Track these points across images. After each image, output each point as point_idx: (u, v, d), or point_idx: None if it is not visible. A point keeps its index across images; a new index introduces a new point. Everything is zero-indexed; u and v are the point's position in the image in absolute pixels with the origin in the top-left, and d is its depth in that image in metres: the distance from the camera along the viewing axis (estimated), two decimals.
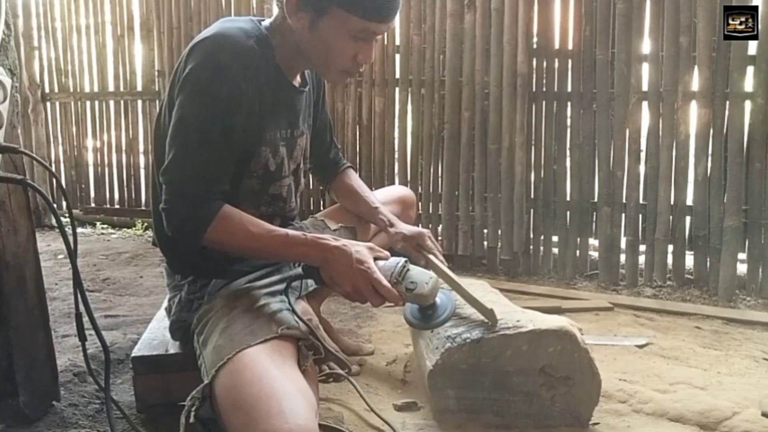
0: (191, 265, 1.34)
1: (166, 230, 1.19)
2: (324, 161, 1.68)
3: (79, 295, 1.23)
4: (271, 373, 1.03)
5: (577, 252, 2.92)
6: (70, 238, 1.21)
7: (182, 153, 1.16)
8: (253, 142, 1.27)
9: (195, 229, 1.15)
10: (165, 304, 1.49)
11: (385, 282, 1.14)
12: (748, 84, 2.58)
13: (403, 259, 1.21)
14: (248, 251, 1.22)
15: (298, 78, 1.38)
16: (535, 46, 2.91)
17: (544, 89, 2.94)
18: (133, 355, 1.44)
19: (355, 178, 1.72)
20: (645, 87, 2.75)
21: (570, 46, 2.85)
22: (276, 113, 1.31)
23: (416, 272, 1.20)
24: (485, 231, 3.07)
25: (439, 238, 3.13)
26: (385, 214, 1.61)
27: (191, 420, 1.03)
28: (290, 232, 1.20)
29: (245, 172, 1.29)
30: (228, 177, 1.22)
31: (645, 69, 2.74)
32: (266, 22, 1.31)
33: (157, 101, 3.97)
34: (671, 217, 2.74)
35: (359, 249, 1.17)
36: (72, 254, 1.22)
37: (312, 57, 1.27)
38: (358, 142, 3.31)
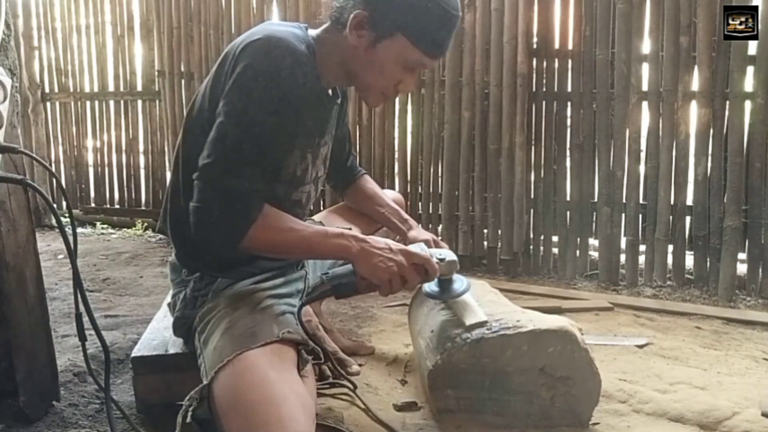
0: (203, 260, 1.32)
1: (193, 229, 1.16)
2: (341, 169, 1.71)
3: (79, 295, 1.23)
4: (271, 377, 1.03)
5: (577, 252, 2.92)
6: (70, 238, 1.21)
7: (228, 150, 1.13)
8: (286, 147, 1.27)
9: (238, 227, 1.14)
10: (168, 299, 1.49)
11: (424, 254, 1.23)
12: (748, 84, 2.58)
13: (421, 242, 1.35)
14: (290, 247, 1.21)
15: (330, 90, 1.40)
16: (535, 46, 2.91)
17: (544, 89, 2.94)
18: (133, 355, 1.44)
19: (372, 184, 1.75)
20: (645, 87, 2.75)
21: (570, 46, 2.85)
22: (312, 121, 1.32)
23: (435, 249, 1.36)
24: (485, 231, 3.08)
25: (440, 237, 3.12)
26: (408, 217, 1.69)
27: (188, 420, 1.02)
28: (326, 227, 1.25)
29: (274, 177, 1.28)
30: (266, 179, 1.21)
31: (645, 69, 2.74)
32: (312, 31, 1.32)
33: (158, 101, 3.97)
34: (671, 217, 2.74)
35: (386, 240, 1.25)
36: (72, 254, 1.22)
37: (358, 75, 1.29)
38: (358, 142, 3.31)
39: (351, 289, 1.23)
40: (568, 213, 2.93)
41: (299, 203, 1.38)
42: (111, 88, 4.18)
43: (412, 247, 1.27)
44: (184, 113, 4.21)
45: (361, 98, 1.39)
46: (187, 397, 1.06)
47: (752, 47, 2.56)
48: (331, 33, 1.28)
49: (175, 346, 1.44)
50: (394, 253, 1.20)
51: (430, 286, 1.37)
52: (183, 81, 3.78)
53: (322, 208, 3.10)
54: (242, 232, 1.14)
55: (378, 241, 1.22)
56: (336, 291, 1.24)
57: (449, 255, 1.33)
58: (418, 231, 1.63)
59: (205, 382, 1.08)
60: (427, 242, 1.55)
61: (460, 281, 1.38)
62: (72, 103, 4.29)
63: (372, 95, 1.32)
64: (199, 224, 1.15)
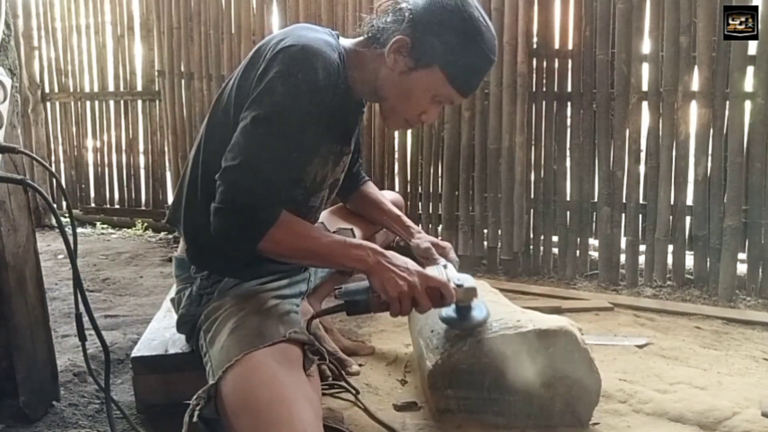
0: (213, 259, 1.31)
1: (213, 230, 1.15)
2: (348, 175, 1.69)
3: (79, 295, 1.23)
4: (279, 378, 1.03)
5: (577, 252, 2.92)
6: (70, 238, 1.21)
7: (254, 155, 1.13)
8: (311, 154, 1.28)
9: (258, 231, 1.14)
10: (171, 294, 1.48)
11: (441, 278, 1.20)
12: (748, 84, 2.58)
13: (441, 264, 1.30)
14: (308, 253, 1.20)
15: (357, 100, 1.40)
16: (535, 46, 2.91)
17: (544, 89, 2.94)
18: (132, 355, 1.44)
19: (375, 190, 1.75)
20: (645, 87, 2.75)
21: (570, 46, 2.85)
22: (339, 130, 1.33)
23: (454, 272, 1.28)
24: (485, 231, 3.08)
25: (439, 237, 3.12)
26: (411, 223, 1.67)
27: (194, 419, 1.03)
28: (344, 237, 1.23)
29: (295, 182, 1.29)
30: (288, 184, 1.22)
31: (645, 69, 2.74)
32: (344, 40, 1.32)
33: (158, 101, 3.98)
34: (671, 217, 2.74)
35: (406, 259, 1.21)
36: (72, 254, 1.21)
37: (384, 97, 1.29)
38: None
39: (364, 306, 1.20)
40: (568, 213, 2.93)
41: (313, 208, 1.39)
42: (111, 88, 4.19)
43: (430, 270, 1.24)
44: (185, 113, 4.22)
45: (382, 119, 1.39)
46: (195, 397, 1.06)
47: (752, 47, 2.56)
48: (366, 49, 1.28)
49: (175, 346, 1.45)
50: (410, 273, 1.17)
51: (447, 312, 1.33)
52: (183, 81, 3.78)
53: None
54: (261, 235, 1.14)
55: (397, 258, 1.19)
56: (348, 307, 1.21)
57: (468, 281, 1.27)
58: (420, 238, 1.60)
59: (212, 381, 1.08)
60: (428, 249, 1.55)
61: (479, 309, 1.34)
62: (72, 103, 4.29)
63: (395, 120, 1.33)
64: (220, 225, 1.15)
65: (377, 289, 1.17)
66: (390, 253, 1.20)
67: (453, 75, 1.22)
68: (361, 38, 1.30)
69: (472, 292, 1.26)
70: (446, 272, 1.28)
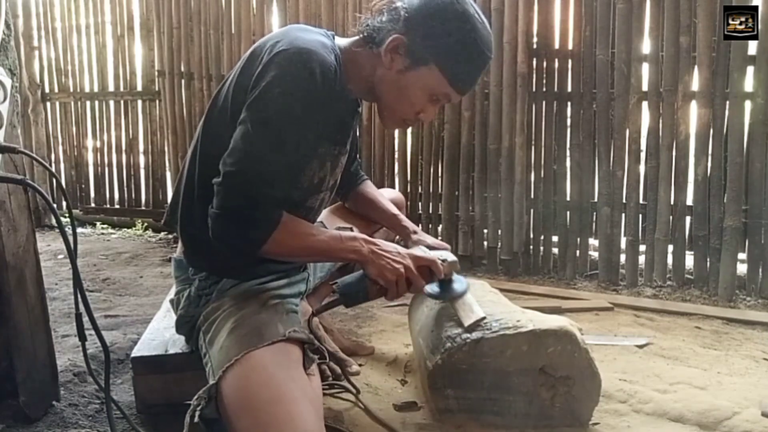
0: (211, 261, 1.32)
1: (212, 234, 1.15)
2: (345, 174, 1.69)
3: (79, 295, 1.23)
4: (279, 377, 1.03)
5: (577, 252, 2.92)
6: (70, 238, 1.21)
7: (253, 159, 1.13)
8: (309, 157, 1.28)
9: (259, 235, 1.14)
10: (170, 296, 1.48)
11: (429, 256, 1.30)
12: (748, 84, 2.58)
13: (422, 246, 1.43)
14: (308, 251, 1.23)
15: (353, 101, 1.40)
16: (535, 46, 2.91)
17: (544, 89, 2.94)
18: (132, 355, 1.44)
19: (372, 189, 1.76)
20: (645, 87, 2.75)
21: (570, 46, 2.85)
22: (334, 130, 1.33)
23: (435, 251, 1.39)
24: (485, 231, 3.08)
25: (439, 237, 3.12)
26: (408, 223, 1.68)
27: (195, 420, 1.03)
28: (338, 231, 1.28)
29: (293, 184, 1.29)
30: (286, 187, 1.22)
31: (645, 69, 2.74)
32: (340, 40, 1.32)
33: (158, 101, 3.98)
34: (671, 217, 2.74)
35: (393, 244, 1.31)
36: (72, 254, 1.21)
37: (382, 96, 1.30)
38: (358, 142, 3.30)
39: (362, 295, 1.26)
40: (568, 213, 2.93)
41: (312, 209, 1.39)
42: (111, 88, 4.19)
43: (415, 250, 1.31)
44: (185, 113, 4.22)
45: (380, 119, 1.39)
46: (195, 397, 1.06)
47: (752, 47, 2.56)
48: (362, 48, 1.28)
49: (175, 346, 1.45)
50: (401, 256, 1.25)
51: (431, 287, 1.38)
52: (183, 81, 3.78)
53: None
54: (263, 239, 1.15)
55: (386, 244, 1.26)
56: (347, 299, 1.27)
57: (450, 256, 1.37)
58: (417, 240, 1.61)
59: (212, 381, 1.08)
60: (429, 247, 1.55)
61: (459, 281, 1.40)
62: (72, 103, 4.29)
63: (392, 119, 1.34)
64: (219, 230, 1.15)
65: (374, 276, 1.22)
66: (379, 241, 1.26)
67: (450, 72, 1.22)
68: (357, 38, 1.30)
69: (454, 266, 1.37)
70: (429, 251, 1.37)
